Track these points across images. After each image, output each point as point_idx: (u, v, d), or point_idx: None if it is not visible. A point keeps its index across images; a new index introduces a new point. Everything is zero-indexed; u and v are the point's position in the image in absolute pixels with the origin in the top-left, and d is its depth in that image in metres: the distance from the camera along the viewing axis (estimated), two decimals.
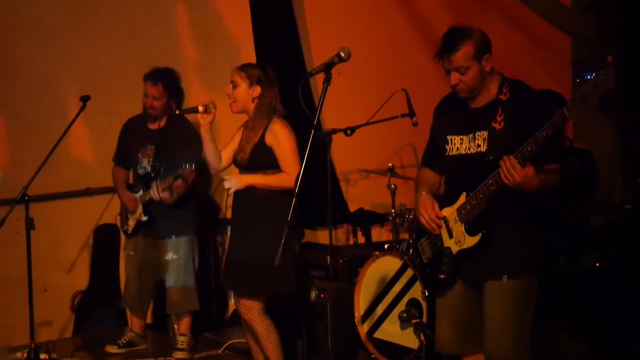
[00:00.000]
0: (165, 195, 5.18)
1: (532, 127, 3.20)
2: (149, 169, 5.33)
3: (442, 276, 3.58)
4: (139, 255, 5.49)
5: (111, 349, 5.47)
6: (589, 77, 3.02)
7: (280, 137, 4.35)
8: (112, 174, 5.61)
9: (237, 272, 4.45)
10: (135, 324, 5.60)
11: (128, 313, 5.73)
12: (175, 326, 5.56)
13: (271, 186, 4.35)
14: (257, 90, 4.41)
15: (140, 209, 5.36)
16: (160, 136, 5.37)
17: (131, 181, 5.56)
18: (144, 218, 5.36)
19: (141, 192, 5.35)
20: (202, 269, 5.72)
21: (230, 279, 4.58)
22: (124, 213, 5.52)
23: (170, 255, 5.37)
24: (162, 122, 5.40)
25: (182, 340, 5.42)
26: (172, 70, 5.41)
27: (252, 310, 4.43)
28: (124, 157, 5.56)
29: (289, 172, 4.32)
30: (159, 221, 5.37)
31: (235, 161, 4.53)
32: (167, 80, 5.34)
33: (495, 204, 3.39)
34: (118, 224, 5.68)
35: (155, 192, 5.19)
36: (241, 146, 4.47)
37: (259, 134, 4.39)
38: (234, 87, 4.43)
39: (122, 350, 5.46)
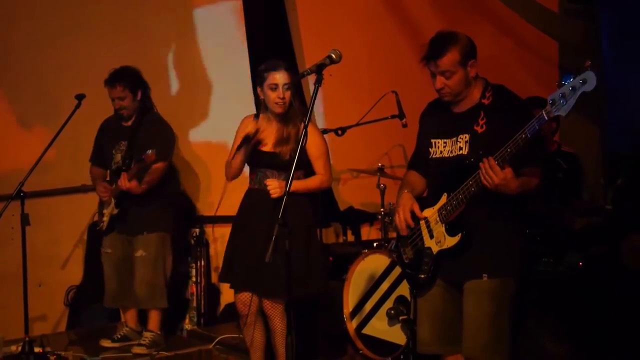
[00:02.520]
0: (132, 184, 5.21)
1: (512, 130, 3.25)
2: (119, 164, 5.40)
3: (422, 276, 3.63)
4: (117, 252, 5.54)
5: (105, 343, 5.52)
6: (568, 81, 3.11)
7: (317, 139, 4.49)
8: (90, 173, 5.68)
9: (263, 272, 4.37)
10: (128, 319, 5.64)
11: (120, 309, 5.79)
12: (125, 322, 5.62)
13: (309, 189, 4.49)
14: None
15: (113, 201, 5.41)
16: (133, 132, 5.46)
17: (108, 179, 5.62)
18: (115, 211, 5.41)
19: (114, 186, 5.39)
20: (196, 264, 5.78)
21: (252, 280, 4.49)
22: (100, 209, 5.58)
23: (139, 252, 5.43)
24: (134, 119, 5.51)
25: (146, 336, 5.47)
26: (127, 68, 5.48)
27: (277, 308, 4.49)
28: (100, 157, 5.64)
29: (322, 172, 4.50)
30: (130, 217, 5.42)
31: (263, 160, 4.51)
32: (123, 78, 5.42)
33: (475, 205, 3.44)
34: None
35: (123, 182, 5.20)
36: (282, 138, 4.46)
37: (296, 132, 4.43)
38: (288, 89, 4.47)
39: (116, 345, 5.50)
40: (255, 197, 4.55)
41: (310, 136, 4.37)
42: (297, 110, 4.51)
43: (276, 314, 4.50)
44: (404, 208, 3.63)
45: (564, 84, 3.12)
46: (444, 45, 3.48)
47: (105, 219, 5.49)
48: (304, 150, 4.40)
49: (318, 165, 4.52)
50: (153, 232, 5.46)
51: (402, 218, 3.63)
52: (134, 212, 5.41)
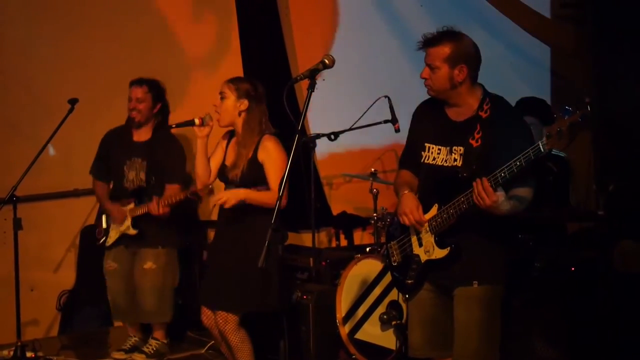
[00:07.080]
0: (167, 210, 5.03)
1: (508, 150, 3.24)
2: (142, 182, 5.26)
3: (409, 281, 3.63)
4: (124, 267, 5.38)
5: (117, 355, 5.40)
6: (566, 116, 3.07)
7: (273, 154, 4.34)
8: (94, 188, 5.52)
9: (219, 286, 4.42)
10: (135, 330, 5.53)
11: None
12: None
13: (262, 203, 4.26)
14: (245, 103, 4.40)
15: (129, 221, 5.26)
16: (150, 149, 5.32)
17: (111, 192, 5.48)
18: (133, 232, 5.25)
19: (132, 206, 5.25)
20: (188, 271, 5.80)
21: (209, 293, 4.51)
22: (103, 224, 5.42)
23: (148, 264, 5.30)
24: (148, 135, 5.36)
25: (150, 344, 5.39)
26: (157, 80, 5.42)
27: (229, 322, 4.42)
28: (105, 170, 5.48)
29: (274, 189, 4.28)
30: (143, 232, 5.29)
31: (224, 177, 4.48)
32: (151, 84, 5.35)
33: (465, 219, 3.42)
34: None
35: (155, 207, 5.02)
36: (234, 163, 4.40)
37: (251, 150, 4.37)
38: (222, 98, 4.42)
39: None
40: (221, 214, 4.54)
41: (269, 151, 4.36)
42: (255, 130, 4.40)
43: (228, 328, 4.43)
44: (412, 209, 3.54)
45: (563, 118, 3.08)
46: (440, 37, 3.46)
47: (114, 234, 5.34)
48: (260, 167, 4.35)
49: (274, 181, 4.32)
50: (164, 247, 5.33)
51: (412, 220, 3.54)
52: (147, 227, 5.26)
